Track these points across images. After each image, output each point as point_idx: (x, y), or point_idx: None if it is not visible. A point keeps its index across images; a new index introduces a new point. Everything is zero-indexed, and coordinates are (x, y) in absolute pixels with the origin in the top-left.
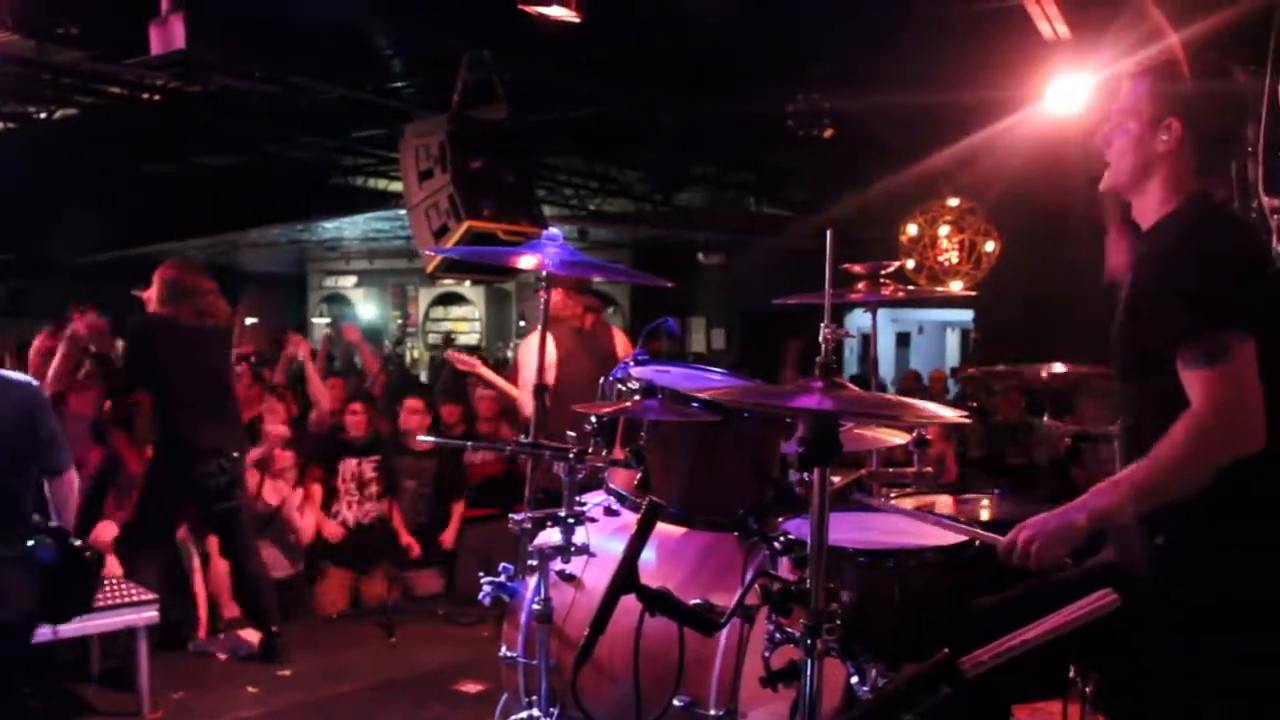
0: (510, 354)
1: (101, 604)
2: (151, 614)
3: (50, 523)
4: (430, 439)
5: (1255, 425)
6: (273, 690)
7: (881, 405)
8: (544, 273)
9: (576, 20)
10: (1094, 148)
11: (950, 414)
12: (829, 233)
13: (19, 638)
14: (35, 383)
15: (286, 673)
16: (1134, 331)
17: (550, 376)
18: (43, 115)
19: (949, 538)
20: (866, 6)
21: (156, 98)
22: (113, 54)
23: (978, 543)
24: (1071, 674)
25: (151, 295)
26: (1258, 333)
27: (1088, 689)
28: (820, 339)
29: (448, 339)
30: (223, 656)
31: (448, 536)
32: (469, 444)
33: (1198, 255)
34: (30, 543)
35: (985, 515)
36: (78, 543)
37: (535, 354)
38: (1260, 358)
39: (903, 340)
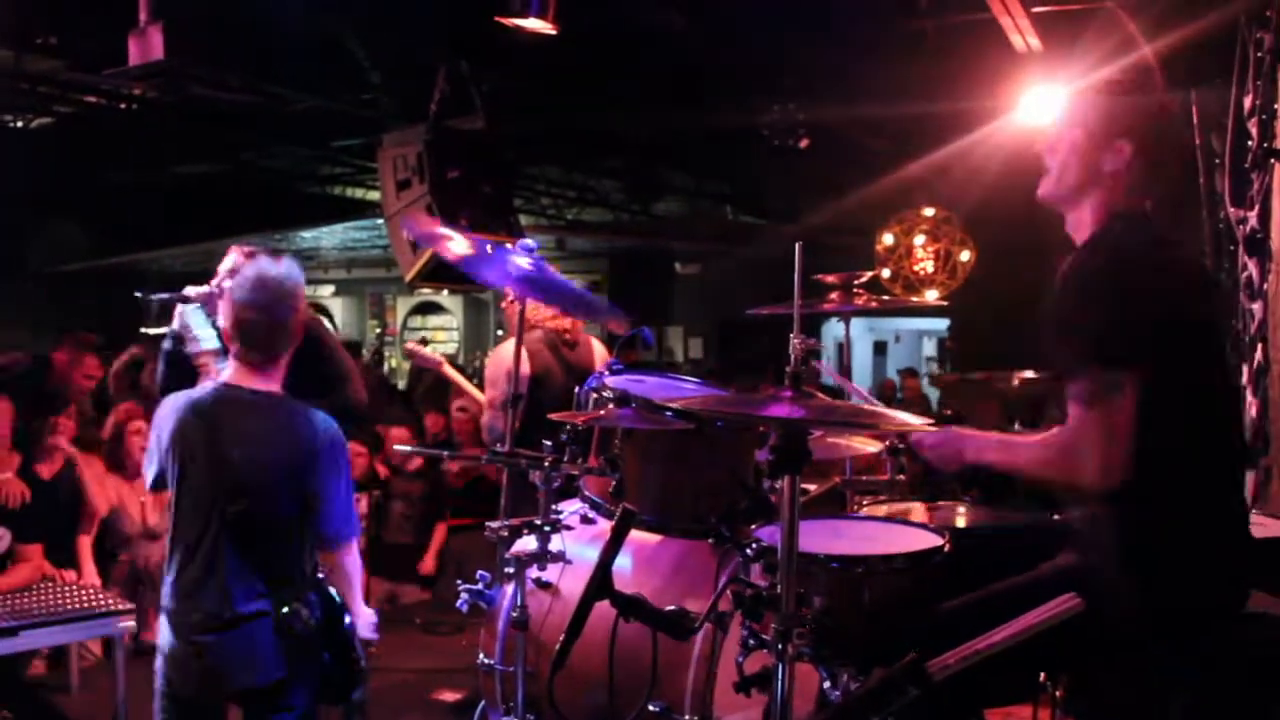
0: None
1: (77, 613)
2: (129, 624)
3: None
4: (407, 448)
5: (1108, 469)
6: None
7: (851, 414)
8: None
9: (553, 32)
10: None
11: (918, 421)
12: (798, 245)
13: (273, 704)
14: (330, 427)
15: None
16: (1056, 343)
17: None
18: (19, 124)
19: (919, 544)
20: (842, 18)
21: (134, 106)
22: (91, 63)
23: (946, 547)
24: (1042, 678)
25: None
26: (1172, 357)
27: (1058, 693)
28: (790, 349)
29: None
30: None
31: (428, 563)
32: (446, 453)
33: (1110, 288)
34: (285, 609)
35: (961, 522)
36: (349, 625)
37: (510, 366)
38: (1186, 375)
39: (880, 349)
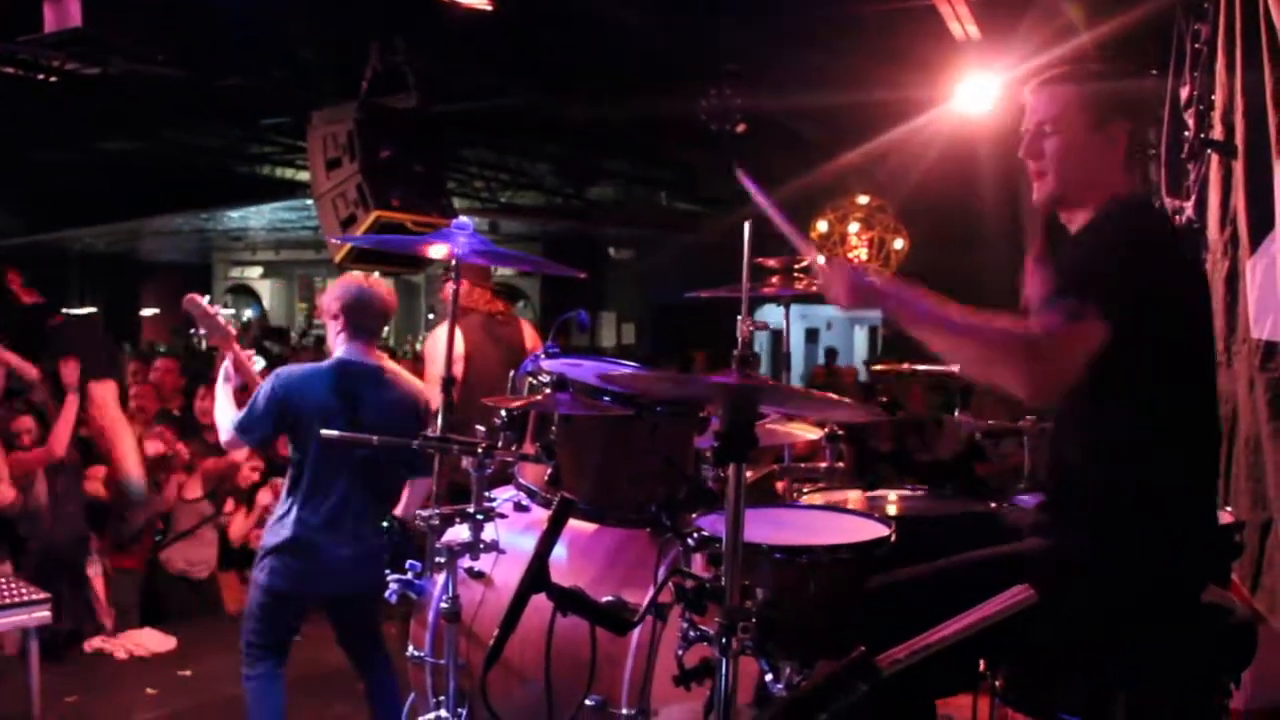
0: (420, 346)
1: None
2: (43, 614)
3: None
4: (334, 433)
5: (1051, 384)
6: (174, 691)
7: (796, 398)
8: (453, 262)
9: (489, 9)
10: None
11: (862, 406)
12: (746, 224)
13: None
14: (422, 387)
15: (188, 673)
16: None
17: (458, 369)
18: None
19: (863, 534)
20: (779, 4)
21: (53, 79)
22: (4, 31)
23: (892, 538)
24: (981, 668)
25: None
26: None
27: (998, 683)
28: (737, 332)
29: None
30: (122, 657)
31: None
32: (374, 438)
33: (1114, 243)
34: (385, 524)
35: (893, 510)
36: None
37: (443, 346)
38: (1169, 348)
39: (811, 336)
